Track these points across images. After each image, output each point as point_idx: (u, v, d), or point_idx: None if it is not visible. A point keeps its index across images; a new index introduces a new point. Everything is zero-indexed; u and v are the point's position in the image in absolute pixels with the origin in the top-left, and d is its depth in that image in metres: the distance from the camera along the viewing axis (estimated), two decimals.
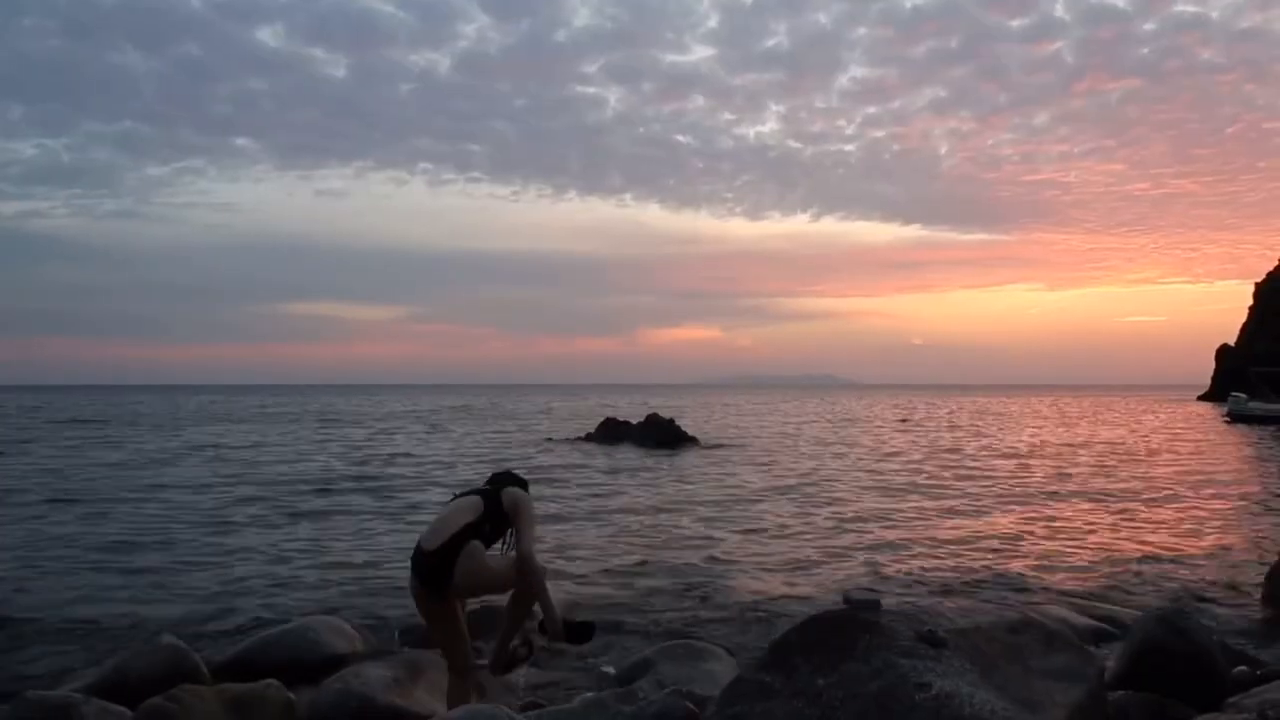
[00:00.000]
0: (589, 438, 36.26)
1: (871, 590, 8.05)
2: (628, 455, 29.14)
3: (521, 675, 6.61)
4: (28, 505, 16.62)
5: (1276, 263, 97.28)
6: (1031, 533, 13.88)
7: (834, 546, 12.67)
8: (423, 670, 6.23)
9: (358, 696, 5.45)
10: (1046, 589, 9.98)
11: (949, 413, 66.69)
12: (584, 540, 13.13)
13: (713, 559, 11.68)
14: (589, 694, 5.73)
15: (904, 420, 54.72)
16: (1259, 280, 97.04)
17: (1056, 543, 13.01)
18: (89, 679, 6.38)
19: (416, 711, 5.44)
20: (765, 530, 14.07)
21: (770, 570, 11.05)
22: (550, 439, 36.60)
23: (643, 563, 11.39)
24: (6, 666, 7.09)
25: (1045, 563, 11.51)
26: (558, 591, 9.60)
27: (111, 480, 20.89)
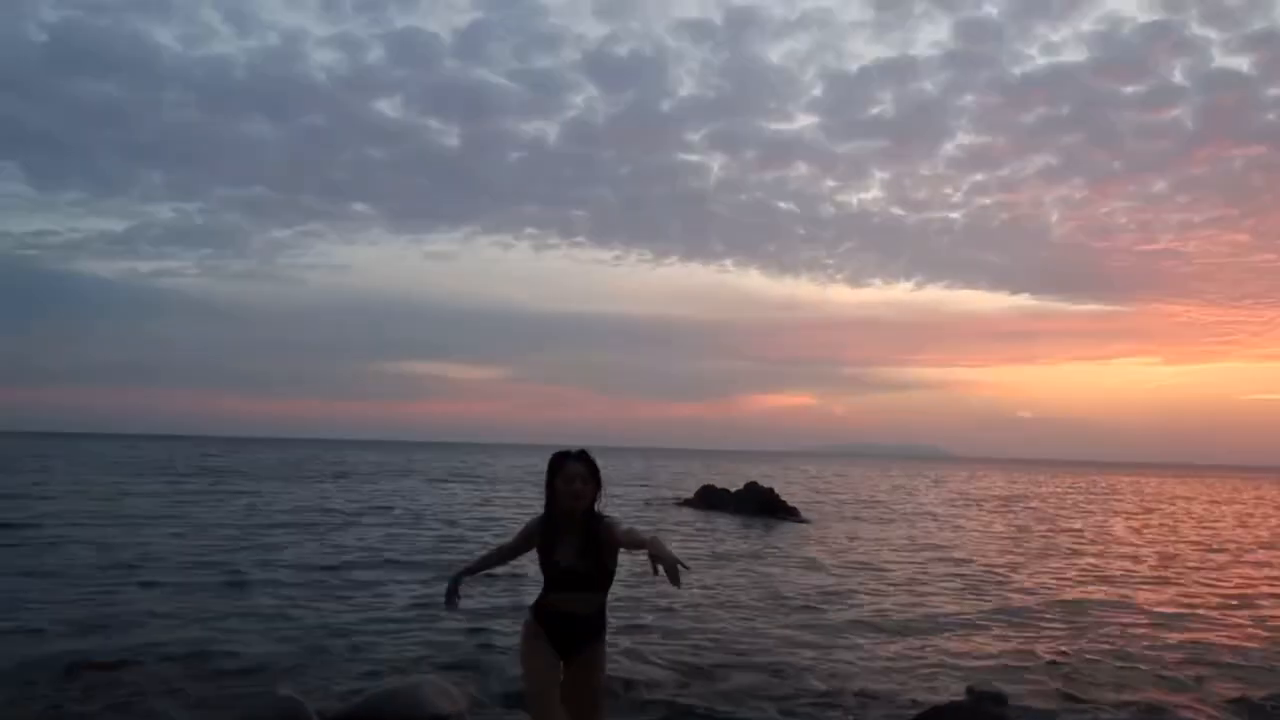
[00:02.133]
0: (687, 503, 36.05)
1: (995, 684, 7.66)
2: (726, 524, 28.80)
3: None
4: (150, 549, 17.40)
5: None
6: (1163, 624, 13.09)
7: (954, 642, 11.69)
8: None
9: None
10: (1183, 687, 9.39)
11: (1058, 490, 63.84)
12: (691, 617, 12.90)
13: (815, 647, 10.92)
14: None
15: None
16: None
17: (1193, 636, 12.24)
18: None
19: None
20: (875, 620, 12.97)
21: (879, 664, 10.27)
22: (649, 502, 36.54)
23: (759, 643, 11.04)
24: (122, 707, 7.38)
25: (1178, 655, 10.84)
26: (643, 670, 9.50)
27: (236, 528, 21.73)
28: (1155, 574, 19.05)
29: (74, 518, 23.04)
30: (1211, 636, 12.23)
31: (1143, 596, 15.80)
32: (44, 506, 25.91)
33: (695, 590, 14.55)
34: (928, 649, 10.96)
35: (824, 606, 13.74)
